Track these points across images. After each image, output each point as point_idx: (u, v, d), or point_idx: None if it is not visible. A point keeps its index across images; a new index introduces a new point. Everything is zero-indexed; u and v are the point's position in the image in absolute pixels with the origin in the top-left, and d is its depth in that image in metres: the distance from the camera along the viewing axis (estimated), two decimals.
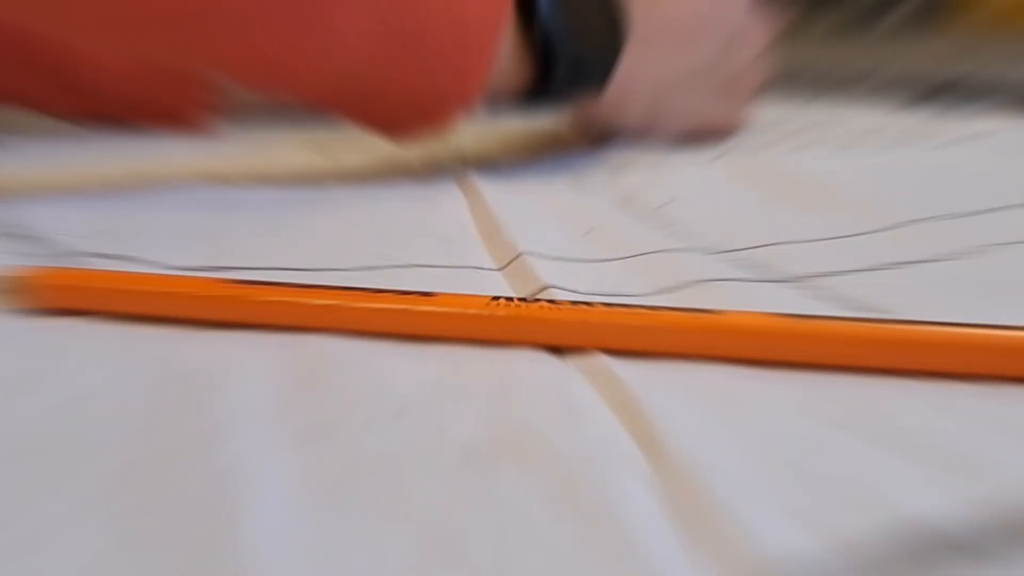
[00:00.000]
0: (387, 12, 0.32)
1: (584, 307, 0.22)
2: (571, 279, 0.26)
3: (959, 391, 0.19)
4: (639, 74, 0.41)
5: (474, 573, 0.14)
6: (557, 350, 0.22)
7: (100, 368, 0.21)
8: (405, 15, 0.32)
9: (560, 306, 0.22)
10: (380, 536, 0.15)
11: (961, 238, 0.30)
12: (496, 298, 0.22)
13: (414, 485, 0.16)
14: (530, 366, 0.21)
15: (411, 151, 0.44)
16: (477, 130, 0.48)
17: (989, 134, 0.46)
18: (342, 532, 0.15)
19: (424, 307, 0.22)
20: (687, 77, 0.43)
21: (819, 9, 1.52)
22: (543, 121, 0.50)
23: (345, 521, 0.15)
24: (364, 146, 0.45)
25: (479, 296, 0.23)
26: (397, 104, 0.36)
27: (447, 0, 0.33)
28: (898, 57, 0.92)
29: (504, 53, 0.35)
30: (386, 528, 0.15)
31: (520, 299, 0.22)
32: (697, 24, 0.43)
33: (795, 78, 0.75)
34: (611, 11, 0.38)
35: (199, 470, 0.17)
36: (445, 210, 0.34)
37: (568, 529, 0.15)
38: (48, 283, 0.24)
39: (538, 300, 0.22)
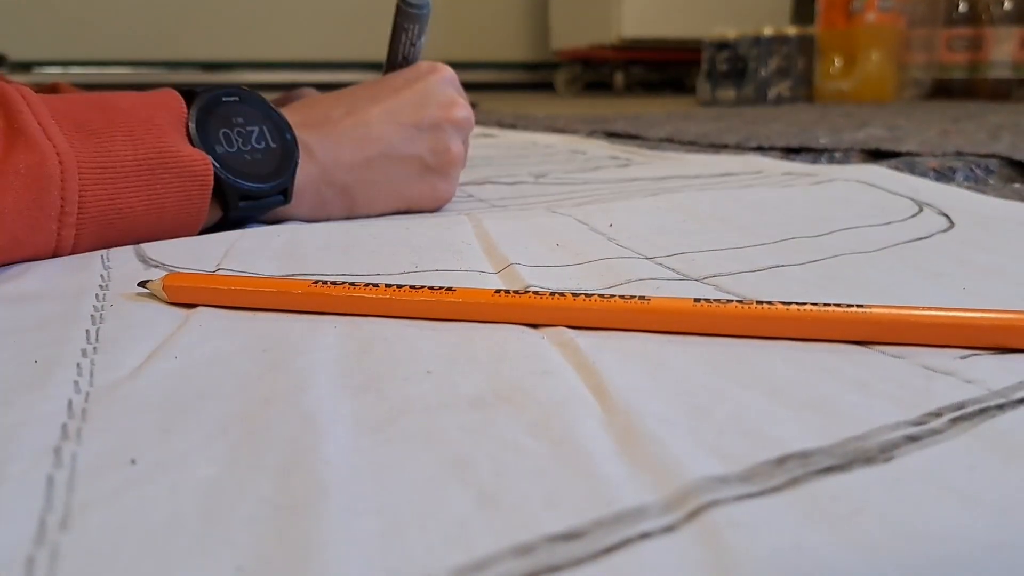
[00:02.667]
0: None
1: (557, 296, 0.22)
2: (547, 279, 0.27)
3: (814, 352, 0.20)
4: (313, 176, 0.36)
5: (479, 481, 0.14)
6: (537, 327, 0.22)
7: (215, 341, 0.21)
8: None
9: (541, 295, 0.22)
10: (413, 457, 0.15)
11: (813, 250, 0.30)
12: (498, 291, 0.23)
13: (436, 423, 0.16)
14: (518, 339, 0.21)
15: None
16: None
17: (837, 178, 0.46)
18: (387, 455, 0.15)
19: (448, 298, 0.23)
20: (366, 172, 0.37)
21: (724, 88, 1.53)
22: None
23: (389, 447, 0.15)
24: None
25: (486, 290, 0.23)
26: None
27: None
28: (777, 121, 0.93)
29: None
30: (417, 452, 0.15)
31: (513, 291, 0.23)
32: (366, 127, 0.37)
33: (704, 137, 0.75)
34: (284, 159, 0.34)
35: (288, 412, 0.17)
36: (456, 232, 0.34)
37: (545, 453, 0.15)
38: (178, 284, 0.24)
39: (526, 292, 0.23)
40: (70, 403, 0.17)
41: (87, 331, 0.22)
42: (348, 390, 0.18)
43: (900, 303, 0.21)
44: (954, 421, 0.16)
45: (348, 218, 0.38)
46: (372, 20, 2.20)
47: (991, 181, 0.49)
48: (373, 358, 0.20)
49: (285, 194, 0.34)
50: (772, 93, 1.49)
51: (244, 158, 0.33)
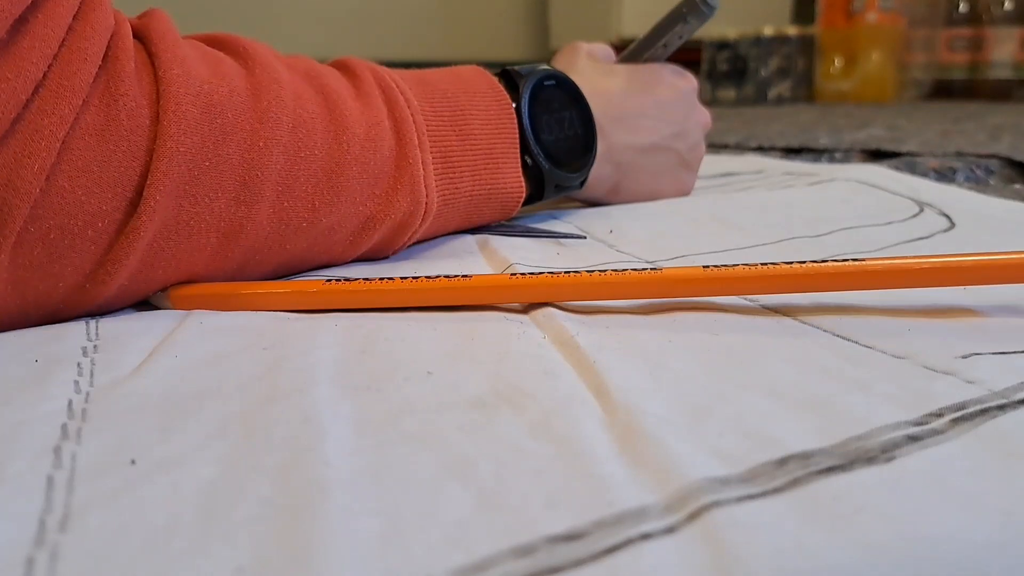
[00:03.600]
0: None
1: (573, 274, 0.23)
2: None
3: (815, 352, 0.20)
4: (601, 162, 0.37)
5: (479, 482, 0.14)
6: (537, 312, 0.22)
7: (215, 340, 0.21)
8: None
9: (556, 275, 0.23)
10: (413, 458, 0.15)
11: (814, 251, 0.30)
12: (513, 274, 0.24)
13: (437, 423, 0.16)
14: (519, 339, 0.21)
15: None
16: None
17: (838, 177, 0.46)
18: (387, 455, 0.15)
19: (467, 284, 0.23)
20: (639, 157, 0.39)
21: (724, 88, 1.53)
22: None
23: (389, 448, 0.15)
24: None
25: (502, 275, 0.24)
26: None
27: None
28: (778, 121, 0.92)
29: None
30: (417, 452, 0.15)
31: (530, 273, 0.24)
32: (643, 117, 0.39)
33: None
34: (585, 146, 0.35)
35: (289, 412, 0.17)
36: (457, 240, 0.34)
37: (545, 454, 0.15)
38: (185, 293, 0.24)
39: (540, 273, 0.23)
40: (70, 403, 0.17)
41: (87, 331, 0.22)
42: (349, 390, 0.18)
43: (900, 302, 0.21)
44: (955, 421, 0.16)
45: (606, 201, 0.40)
46: (372, 20, 2.21)
47: (991, 181, 0.49)
48: (374, 358, 0.20)
49: (583, 182, 0.35)
50: (772, 93, 1.49)
51: (560, 146, 0.33)
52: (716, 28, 1.55)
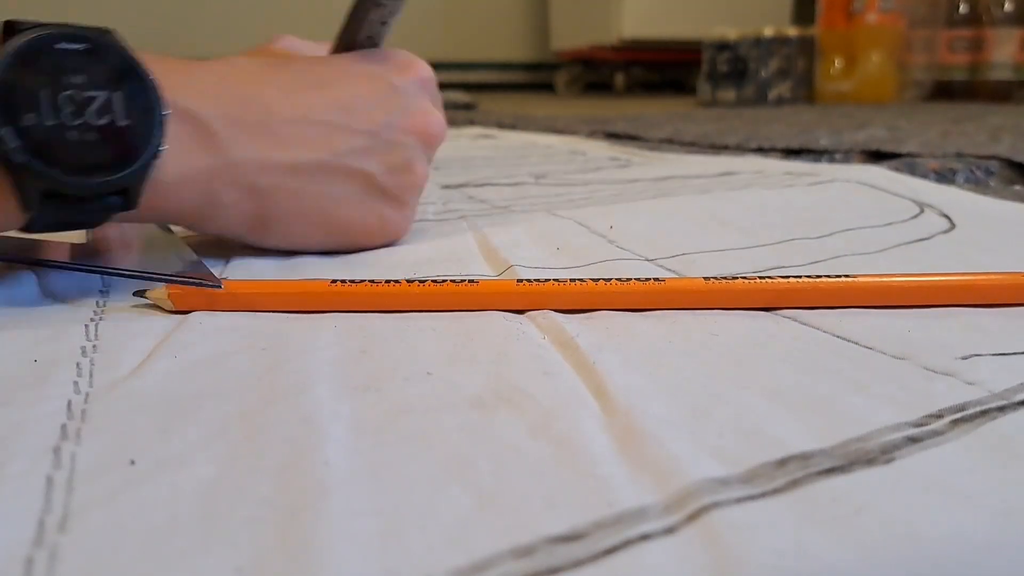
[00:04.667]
0: None
1: (579, 283, 0.23)
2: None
3: (814, 353, 0.20)
4: (209, 169, 0.26)
5: (479, 482, 0.14)
6: (537, 313, 0.22)
7: (214, 340, 0.21)
8: None
9: (562, 283, 0.23)
10: (413, 458, 0.15)
11: (814, 252, 0.30)
12: (520, 280, 0.24)
13: (437, 424, 0.16)
14: (518, 340, 0.21)
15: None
16: None
17: (838, 178, 0.46)
18: (387, 455, 0.15)
19: (473, 289, 0.23)
20: (290, 180, 0.27)
21: (724, 89, 1.53)
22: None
23: (388, 448, 0.15)
24: None
25: (509, 280, 0.24)
26: None
27: None
28: (778, 122, 0.93)
29: None
30: (417, 453, 0.15)
31: (536, 280, 0.24)
32: (303, 123, 0.27)
33: (704, 138, 0.75)
34: (133, 145, 0.23)
35: (288, 412, 0.17)
36: (455, 239, 0.34)
37: (545, 454, 0.15)
38: (177, 291, 0.24)
39: (546, 280, 0.24)
40: (69, 403, 0.17)
41: (86, 331, 0.22)
42: (348, 390, 0.18)
43: (900, 302, 0.21)
44: (955, 423, 0.16)
45: (252, 241, 0.29)
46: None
47: (991, 183, 0.49)
48: (373, 358, 0.20)
49: (126, 195, 0.23)
50: (773, 94, 1.49)
51: (66, 137, 0.22)
52: (716, 29, 1.55)
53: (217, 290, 0.24)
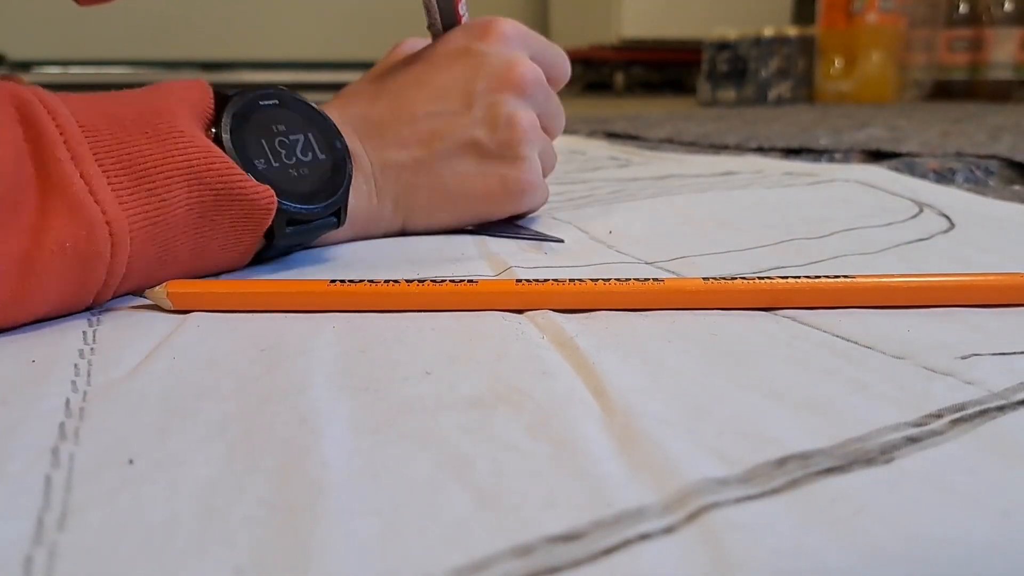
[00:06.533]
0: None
1: (578, 283, 0.23)
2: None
3: (814, 352, 0.20)
4: (363, 188, 0.30)
5: (478, 482, 0.14)
6: (536, 313, 0.22)
7: (212, 341, 0.21)
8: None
9: (562, 283, 0.23)
10: (412, 458, 0.15)
11: (814, 252, 0.30)
12: (518, 280, 0.24)
13: (435, 423, 0.16)
14: (517, 340, 0.21)
15: None
16: None
17: (837, 178, 0.46)
18: (385, 455, 0.15)
19: (472, 289, 0.23)
20: (416, 177, 0.31)
21: (724, 89, 1.53)
22: None
23: (387, 448, 0.15)
24: None
25: (507, 280, 0.24)
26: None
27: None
28: (777, 122, 0.93)
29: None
30: (416, 452, 0.15)
31: (535, 280, 0.24)
32: (410, 121, 0.31)
33: (704, 138, 0.75)
34: (334, 171, 0.28)
35: (286, 412, 0.17)
36: (455, 243, 0.34)
37: (544, 454, 0.15)
38: (183, 291, 0.24)
39: (545, 280, 0.23)
40: (68, 402, 0.17)
41: (84, 331, 0.22)
42: (347, 390, 0.18)
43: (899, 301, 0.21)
44: (954, 422, 0.16)
45: (424, 227, 0.33)
46: (372, 20, 2.20)
47: (991, 182, 0.49)
48: (372, 358, 0.20)
49: (339, 215, 0.28)
50: (772, 94, 1.49)
51: (289, 174, 0.27)
52: (716, 29, 1.55)
53: (217, 290, 0.24)
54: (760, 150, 0.67)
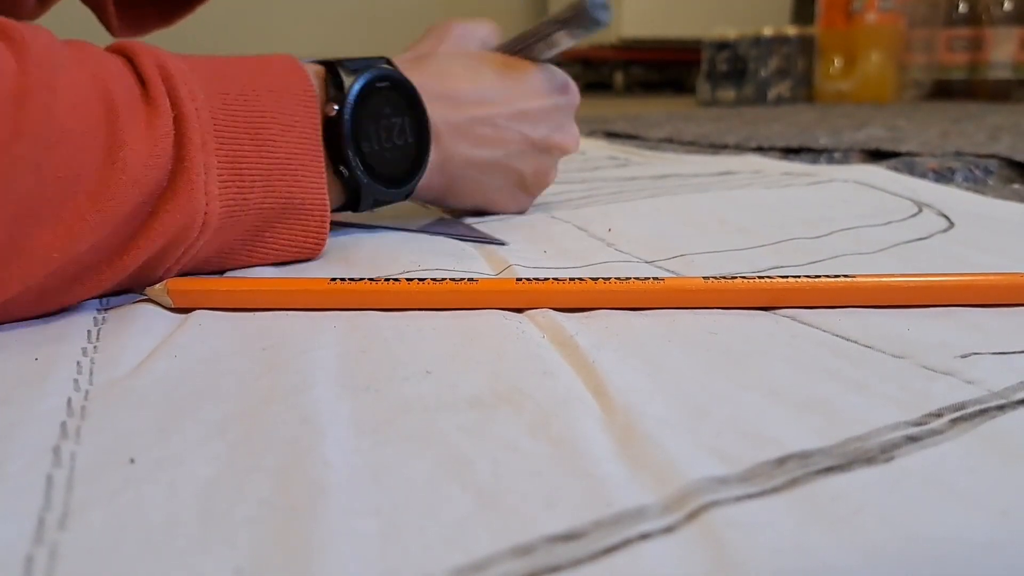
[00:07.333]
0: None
1: (578, 281, 0.23)
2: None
3: (814, 352, 0.20)
4: (433, 173, 0.33)
5: (478, 482, 0.14)
6: (536, 312, 0.22)
7: (214, 340, 0.21)
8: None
9: (562, 281, 0.23)
10: (412, 458, 0.15)
11: (813, 251, 0.30)
12: (520, 279, 0.24)
13: (436, 423, 0.16)
14: (518, 340, 0.21)
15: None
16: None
17: (837, 178, 0.46)
18: (386, 455, 0.15)
19: (472, 288, 0.23)
20: (473, 172, 0.35)
21: (724, 89, 1.53)
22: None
23: (388, 448, 0.15)
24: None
25: (507, 279, 0.24)
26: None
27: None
28: (777, 122, 0.92)
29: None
30: (416, 452, 0.15)
31: (535, 279, 0.24)
32: (492, 126, 0.34)
33: (703, 138, 0.75)
34: (416, 159, 0.31)
35: (287, 412, 0.17)
36: (456, 240, 0.34)
37: (544, 453, 0.15)
38: (184, 288, 0.24)
39: (545, 279, 0.24)
40: (69, 401, 0.17)
41: (88, 330, 0.22)
42: (347, 390, 0.18)
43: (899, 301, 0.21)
44: (954, 422, 0.16)
45: (433, 202, 0.37)
46: (372, 20, 2.20)
47: (990, 182, 0.49)
48: (372, 358, 0.20)
49: (408, 195, 0.32)
50: (772, 93, 1.49)
51: (385, 156, 0.30)
52: (716, 28, 1.55)
53: (217, 289, 0.24)
54: (759, 150, 0.67)
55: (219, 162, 0.24)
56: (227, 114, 0.25)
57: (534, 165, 0.36)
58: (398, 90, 0.30)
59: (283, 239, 0.28)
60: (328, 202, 0.28)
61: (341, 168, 0.29)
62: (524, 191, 0.37)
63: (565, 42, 0.35)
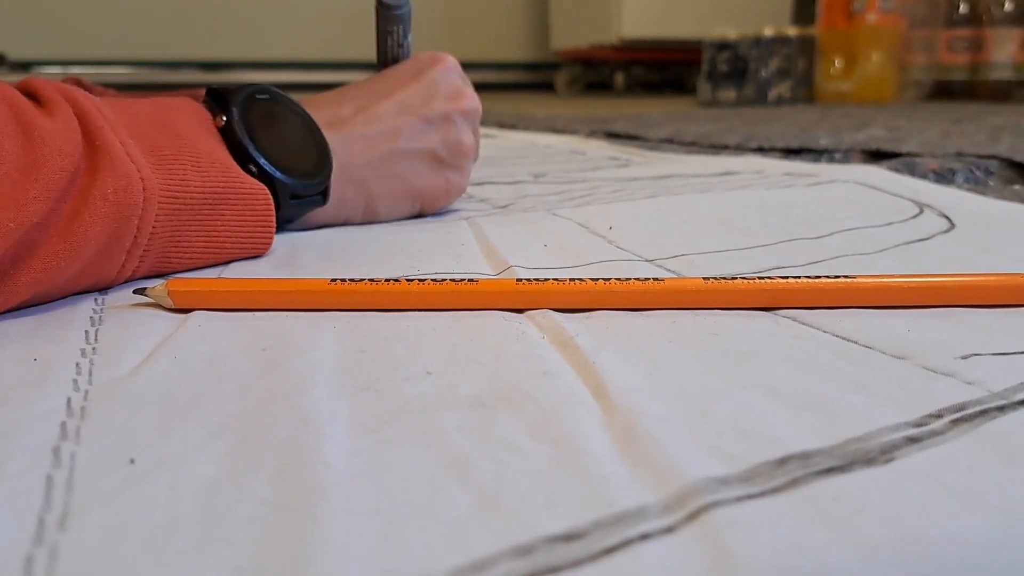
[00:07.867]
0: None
1: (578, 282, 0.23)
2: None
3: (814, 352, 0.20)
4: (341, 183, 0.34)
5: (478, 482, 0.14)
6: (536, 312, 0.22)
7: (214, 341, 0.21)
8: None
9: (562, 282, 0.23)
10: (412, 458, 0.15)
11: (814, 252, 0.30)
12: (520, 280, 0.24)
13: (436, 423, 0.16)
14: (518, 340, 0.21)
15: None
16: None
17: (837, 179, 0.46)
18: (386, 455, 0.15)
19: (472, 288, 0.23)
20: (380, 169, 0.36)
21: (724, 89, 1.53)
22: None
23: (388, 448, 0.15)
24: None
25: (508, 280, 0.24)
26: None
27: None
28: (778, 122, 0.92)
29: None
30: (416, 452, 0.15)
31: (535, 280, 0.24)
32: (376, 122, 0.36)
33: (704, 138, 0.75)
34: (320, 152, 0.33)
35: (287, 412, 0.17)
36: (455, 236, 0.34)
37: (544, 454, 0.15)
38: (184, 289, 0.24)
39: (545, 280, 0.23)
40: (69, 402, 0.17)
41: (86, 331, 0.22)
42: (347, 390, 0.18)
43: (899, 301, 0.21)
44: (955, 422, 0.16)
45: (365, 221, 0.37)
46: (372, 20, 2.20)
47: (991, 182, 0.49)
48: (372, 358, 0.20)
49: (324, 194, 0.33)
50: (773, 94, 1.49)
51: (291, 153, 0.31)
52: (716, 29, 1.55)
53: (217, 289, 0.24)
54: (760, 150, 0.67)
55: (139, 145, 0.26)
56: (134, 122, 0.27)
57: (440, 137, 0.37)
58: (278, 100, 0.33)
59: (234, 225, 0.29)
60: (268, 195, 0.29)
61: (251, 167, 0.30)
62: (444, 166, 0.38)
63: (397, 31, 0.38)
